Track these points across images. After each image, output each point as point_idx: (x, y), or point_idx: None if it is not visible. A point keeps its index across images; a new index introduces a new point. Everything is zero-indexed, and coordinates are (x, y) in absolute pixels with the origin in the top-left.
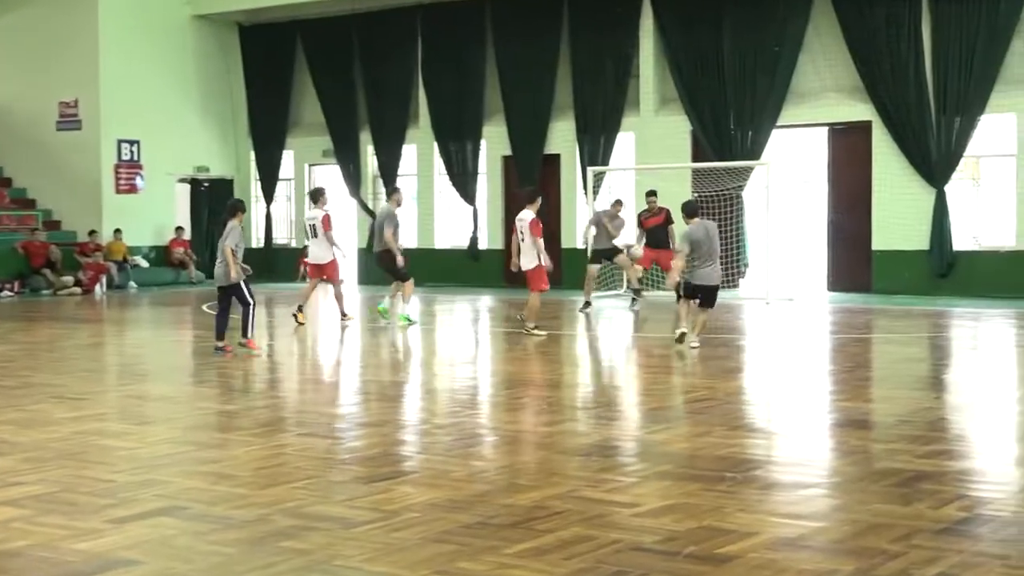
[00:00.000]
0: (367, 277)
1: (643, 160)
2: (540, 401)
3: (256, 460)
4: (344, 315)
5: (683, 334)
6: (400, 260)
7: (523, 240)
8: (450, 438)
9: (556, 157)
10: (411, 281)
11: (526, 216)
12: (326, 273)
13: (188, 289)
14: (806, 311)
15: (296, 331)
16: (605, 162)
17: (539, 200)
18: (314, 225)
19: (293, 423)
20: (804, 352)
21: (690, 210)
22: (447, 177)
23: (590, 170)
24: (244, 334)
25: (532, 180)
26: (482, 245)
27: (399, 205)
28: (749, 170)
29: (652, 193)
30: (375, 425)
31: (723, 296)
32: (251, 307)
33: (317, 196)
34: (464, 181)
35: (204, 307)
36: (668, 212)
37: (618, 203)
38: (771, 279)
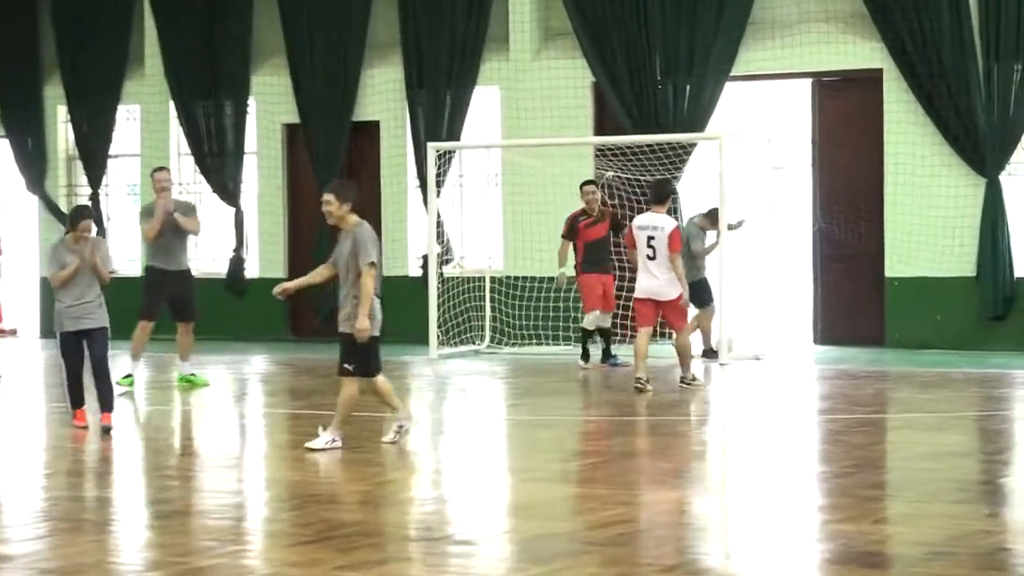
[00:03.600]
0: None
1: (515, 130)
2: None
3: None
4: None
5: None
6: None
7: (652, 257)
8: None
9: (372, 127)
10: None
11: (663, 223)
12: None
13: None
14: (781, 376)
15: None
16: (454, 135)
17: (668, 201)
18: None
19: None
20: (779, 443)
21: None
22: (192, 159)
23: (430, 147)
24: None
25: (333, 163)
26: (252, 272)
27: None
28: (688, 149)
29: (590, 183)
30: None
31: (650, 353)
32: None
33: None
34: (220, 166)
35: None
36: (615, 216)
37: (712, 214)
38: (725, 326)
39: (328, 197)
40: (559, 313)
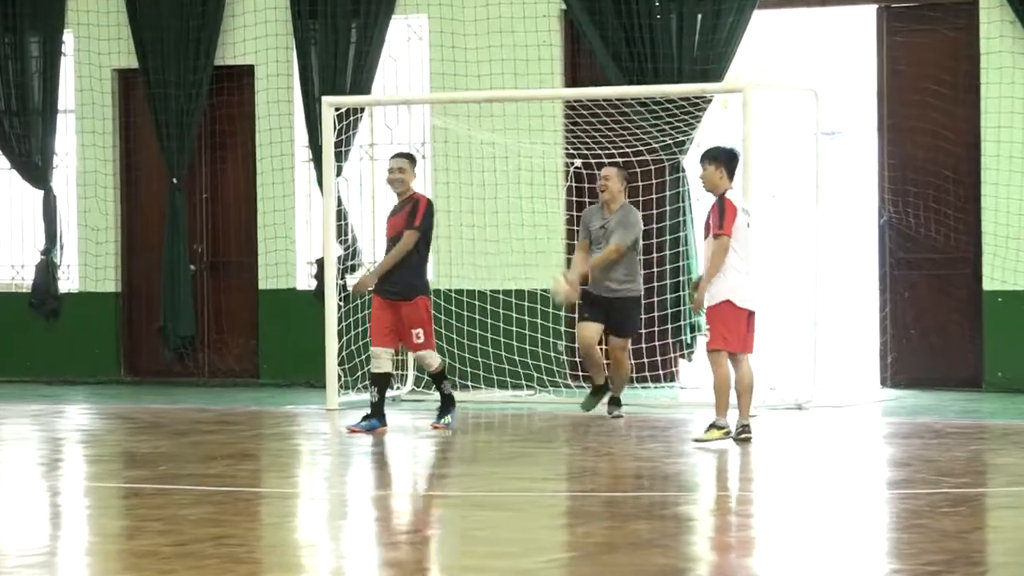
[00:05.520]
0: None
1: (450, 81)
2: None
3: None
4: None
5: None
6: None
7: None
8: None
9: (244, 74)
10: None
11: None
12: None
13: None
14: (834, 433)
15: None
16: (362, 86)
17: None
18: None
19: None
20: (834, 530)
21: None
22: None
23: (327, 103)
24: None
25: (187, 127)
26: (70, 284)
27: None
28: (701, 105)
29: (403, 157)
30: None
31: (654, 398)
32: None
33: None
34: (22, 130)
35: None
36: (426, 203)
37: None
38: (757, 358)
39: (608, 171)
40: (522, 344)
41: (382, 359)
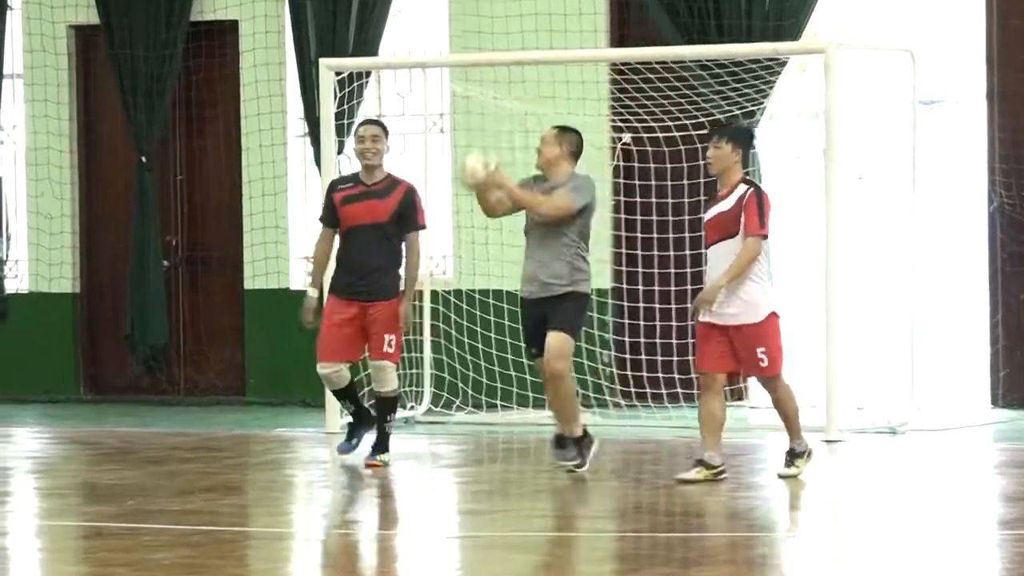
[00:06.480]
0: None
1: (474, 40)
2: None
3: None
4: None
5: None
6: None
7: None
8: None
9: (226, 31)
10: None
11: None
12: None
13: None
14: (936, 462)
15: None
16: (367, 47)
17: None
18: None
19: None
20: (940, 573)
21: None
22: None
23: (325, 67)
24: None
25: (157, 94)
26: (18, 283)
27: None
28: (774, 70)
29: (376, 124)
30: None
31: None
32: None
33: None
34: None
35: None
36: (413, 192)
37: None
38: (834, 375)
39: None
40: None
41: (332, 378)
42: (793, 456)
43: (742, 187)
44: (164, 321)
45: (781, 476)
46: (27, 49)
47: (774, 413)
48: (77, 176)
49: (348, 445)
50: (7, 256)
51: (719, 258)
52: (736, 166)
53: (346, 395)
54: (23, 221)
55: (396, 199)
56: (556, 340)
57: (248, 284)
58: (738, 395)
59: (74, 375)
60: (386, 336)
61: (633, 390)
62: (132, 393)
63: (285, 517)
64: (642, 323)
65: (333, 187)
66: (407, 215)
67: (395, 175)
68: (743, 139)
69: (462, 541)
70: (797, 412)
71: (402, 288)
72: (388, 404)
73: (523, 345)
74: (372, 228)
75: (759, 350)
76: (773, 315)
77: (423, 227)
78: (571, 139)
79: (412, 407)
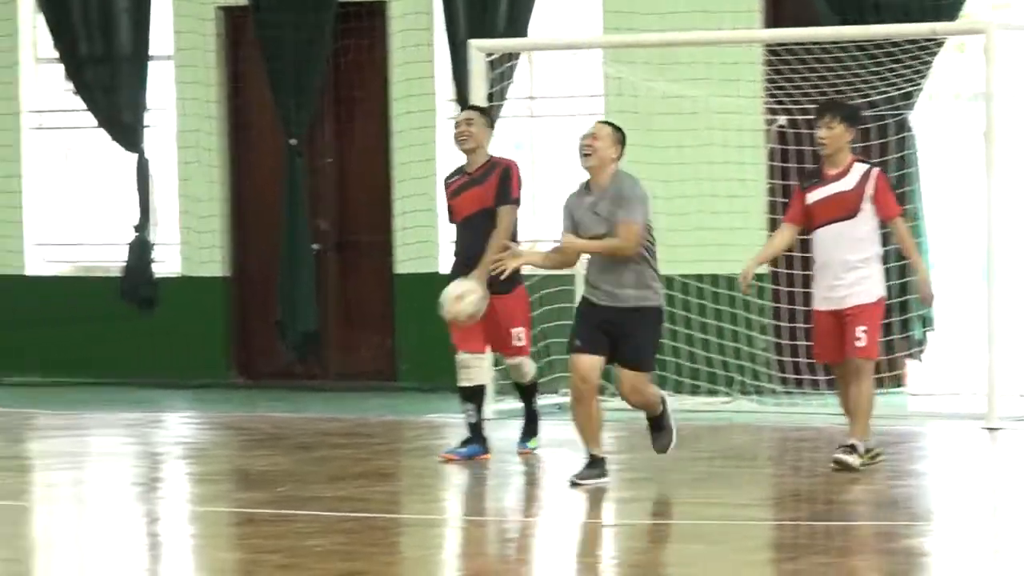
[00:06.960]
0: None
1: (627, 20)
2: None
3: None
4: None
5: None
6: None
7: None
8: None
9: (374, 12)
10: None
11: None
12: None
13: None
14: None
15: None
16: (518, 27)
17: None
18: None
19: None
20: None
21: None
22: (62, 69)
23: (475, 48)
24: None
25: (306, 76)
26: (169, 266)
27: None
28: (932, 51)
29: (475, 109)
30: None
31: (878, 406)
32: None
33: None
34: (110, 81)
35: None
36: (508, 168)
37: None
38: (1000, 357)
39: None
40: (716, 339)
41: (473, 368)
42: (855, 450)
43: (859, 166)
44: (314, 308)
45: (836, 461)
46: (176, 30)
47: (934, 400)
48: (226, 160)
49: (461, 451)
50: (156, 240)
51: (835, 239)
52: (847, 146)
53: (475, 397)
54: (173, 205)
55: (495, 181)
56: (632, 380)
57: (399, 268)
58: (896, 381)
59: (225, 360)
60: (513, 330)
61: (791, 376)
62: (283, 378)
63: (437, 504)
64: (799, 308)
65: (444, 182)
66: (500, 191)
67: (497, 156)
68: (855, 118)
69: (615, 529)
70: (871, 408)
71: (518, 279)
72: (530, 390)
73: (568, 335)
74: (481, 215)
75: (860, 328)
76: (882, 299)
77: (514, 201)
78: (623, 139)
79: (565, 392)
